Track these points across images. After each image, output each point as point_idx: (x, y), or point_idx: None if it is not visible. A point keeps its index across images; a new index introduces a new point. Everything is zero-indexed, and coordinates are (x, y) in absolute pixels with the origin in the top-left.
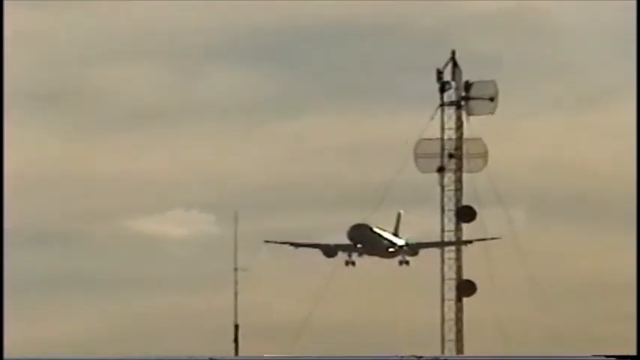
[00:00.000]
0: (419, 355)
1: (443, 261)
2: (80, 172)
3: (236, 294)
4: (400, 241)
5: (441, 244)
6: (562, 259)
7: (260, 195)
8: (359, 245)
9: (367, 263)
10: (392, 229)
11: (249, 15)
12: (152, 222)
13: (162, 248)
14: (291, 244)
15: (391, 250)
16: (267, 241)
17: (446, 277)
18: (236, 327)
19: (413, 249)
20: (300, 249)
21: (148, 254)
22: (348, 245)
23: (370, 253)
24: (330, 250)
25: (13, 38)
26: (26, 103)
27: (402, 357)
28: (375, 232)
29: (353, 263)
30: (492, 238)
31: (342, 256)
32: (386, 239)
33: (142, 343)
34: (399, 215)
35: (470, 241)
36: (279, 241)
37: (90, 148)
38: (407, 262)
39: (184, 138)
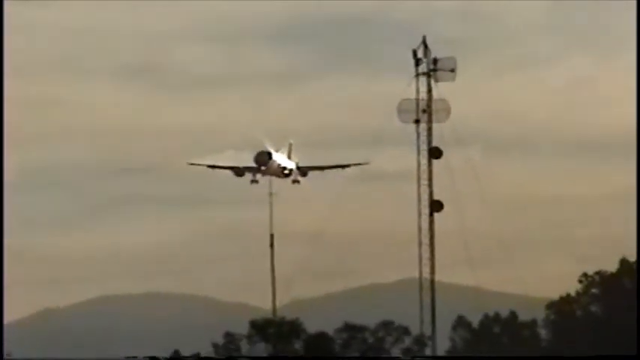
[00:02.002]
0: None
1: (419, 186)
2: (159, 122)
3: (271, 211)
4: (292, 165)
5: (324, 168)
6: (509, 183)
7: (286, 139)
8: (262, 168)
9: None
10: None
11: (268, 9)
12: (212, 159)
13: (219, 178)
14: (209, 166)
15: (286, 172)
16: (190, 164)
17: (422, 197)
18: (271, 235)
19: (302, 171)
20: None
21: (208, 182)
22: (253, 167)
23: (270, 174)
24: (239, 171)
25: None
26: (120, 71)
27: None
28: (274, 158)
29: (257, 181)
30: (364, 163)
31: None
32: (282, 163)
33: (204, 247)
34: (290, 145)
35: (348, 165)
36: (202, 163)
37: (167, 105)
38: (298, 182)
39: (234, 99)
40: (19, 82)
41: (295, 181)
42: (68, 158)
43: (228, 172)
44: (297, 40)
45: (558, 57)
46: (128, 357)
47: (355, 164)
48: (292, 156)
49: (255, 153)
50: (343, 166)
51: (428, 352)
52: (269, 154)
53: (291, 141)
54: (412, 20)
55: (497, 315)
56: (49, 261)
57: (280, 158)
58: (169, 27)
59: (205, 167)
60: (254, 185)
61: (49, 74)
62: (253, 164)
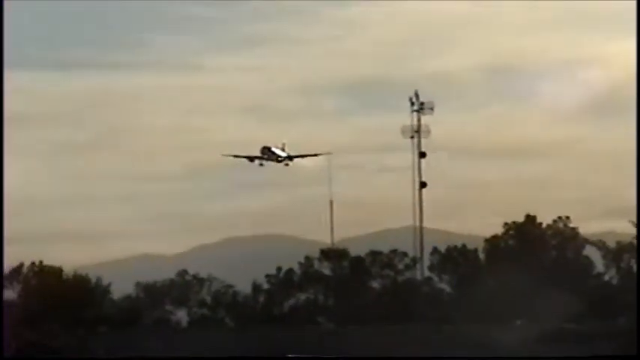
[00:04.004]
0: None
1: (414, 173)
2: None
3: (330, 186)
4: (284, 154)
5: (304, 156)
6: (463, 173)
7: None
8: (265, 156)
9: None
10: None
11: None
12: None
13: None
14: (234, 156)
15: (280, 159)
16: (223, 155)
17: (415, 180)
18: (331, 201)
19: (290, 158)
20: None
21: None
22: (260, 156)
23: (270, 160)
24: (251, 159)
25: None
26: (243, 110)
27: None
28: (273, 150)
29: (262, 164)
30: (327, 153)
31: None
32: (277, 154)
33: (292, 209)
34: (283, 144)
35: (317, 154)
36: (229, 154)
37: (266, 128)
38: (287, 164)
39: (304, 125)
40: (187, 117)
41: (286, 164)
42: (215, 161)
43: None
44: (344, 92)
45: (493, 101)
46: None
47: (321, 154)
48: (285, 150)
49: (260, 147)
50: (315, 155)
51: (418, 267)
52: (269, 148)
53: (284, 141)
54: (410, 81)
55: (455, 246)
56: (214, 215)
57: (277, 150)
58: (270, 86)
59: (232, 157)
60: (314, 172)
61: (210, 114)
62: (260, 154)
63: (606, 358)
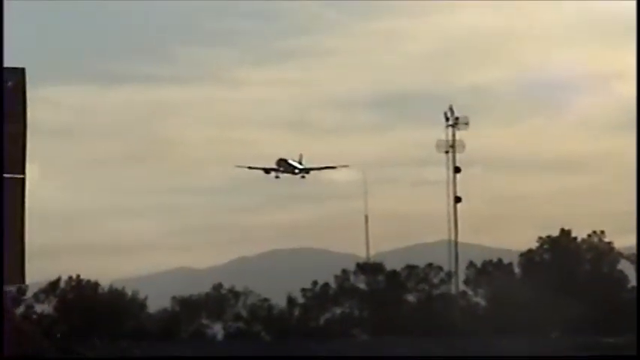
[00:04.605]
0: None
1: (448, 188)
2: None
3: (366, 201)
4: (300, 167)
5: (321, 169)
6: (498, 186)
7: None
8: (281, 169)
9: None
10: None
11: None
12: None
13: (322, 182)
14: (249, 167)
15: (296, 171)
16: (237, 166)
17: (450, 194)
18: (366, 216)
19: (306, 171)
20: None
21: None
22: (276, 168)
23: (286, 172)
24: (267, 171)
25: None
26: (283, 124)
27: None
28: (289, 162)
29: (278, 177)
30: (345, 166)
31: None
32: (294, 166)
33: (326, 222)
34: (300, 156)
35: (335, 167)
36: (244, 166)
37: (305, 143)
38: (304, 177)
39: (341, 140)
40: (225, 131)
41: (302, 177)
42: (253, 174)
43: (266, 170)
44: (380, 106)
45: (528, 115)
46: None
47: (338, 167)
48: (302, 162)
49: (276, 159)
50: (332, 167)
51: (453, 281)
52: (285, 160)
53: (301, 154)
54: (445, 94)
55: (490, 260)
56: (252, 228)
57: (292, 162)
58: (306, 100)
59: (247, 169)
60: (350, 185)
61: (247, 127)
62: (276, 166)
63: (606, 358)
